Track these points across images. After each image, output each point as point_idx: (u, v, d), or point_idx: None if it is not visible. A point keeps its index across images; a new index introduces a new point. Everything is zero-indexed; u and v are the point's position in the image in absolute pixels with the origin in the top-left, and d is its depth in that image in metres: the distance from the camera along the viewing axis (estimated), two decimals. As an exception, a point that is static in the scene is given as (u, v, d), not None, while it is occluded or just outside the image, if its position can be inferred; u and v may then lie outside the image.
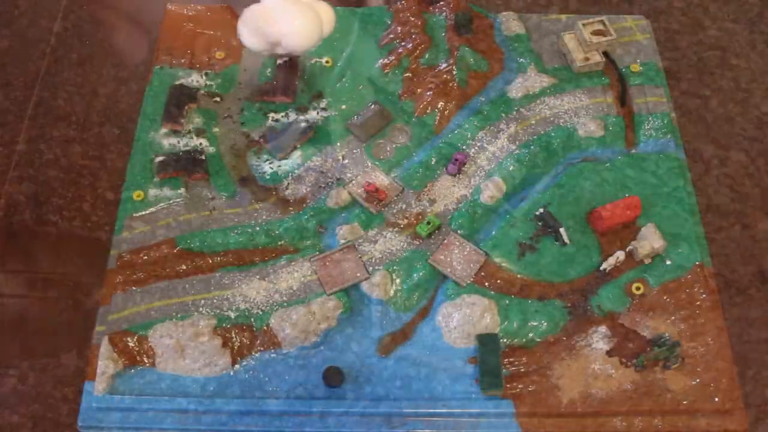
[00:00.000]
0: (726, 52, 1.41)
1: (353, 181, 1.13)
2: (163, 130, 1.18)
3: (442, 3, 1.33)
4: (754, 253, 1.18)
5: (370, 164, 1.15)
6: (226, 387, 0.97)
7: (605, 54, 1.26)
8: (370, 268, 1.05)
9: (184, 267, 1.06)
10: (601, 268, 1.05)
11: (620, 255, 1.05)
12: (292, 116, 1.20)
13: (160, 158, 1.14)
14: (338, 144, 1.18)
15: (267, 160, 1.15)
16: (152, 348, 0.99)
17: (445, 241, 1.08)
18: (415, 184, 1.13)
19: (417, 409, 0.96)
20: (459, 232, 1.09)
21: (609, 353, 1.00)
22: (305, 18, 0.96)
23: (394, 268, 1.06)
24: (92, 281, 1.13)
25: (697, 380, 0.98)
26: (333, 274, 1.05)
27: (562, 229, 1.07)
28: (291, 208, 1.11)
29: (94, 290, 1.11)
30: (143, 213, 1.10)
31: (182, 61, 1.25)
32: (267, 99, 1.21)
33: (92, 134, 1.28)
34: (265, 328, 1.01)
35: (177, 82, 1.22)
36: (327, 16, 0.99)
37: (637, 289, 1.04)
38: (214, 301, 1.03)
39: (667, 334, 1.00)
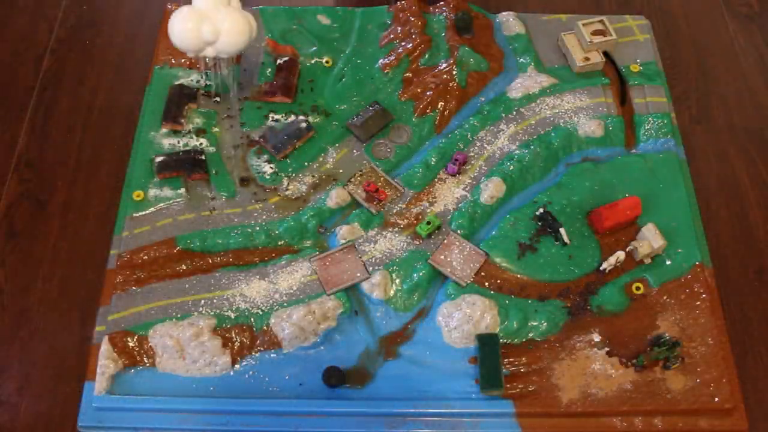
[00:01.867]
0: (726, 51, 1.41)
1: (353, 181, 1.13)
2: (163, 130, 1.18)
3: (442, 3, 1.33)
4: (754, 253, 1.18)
5: (370, 164, 1.15)
6: (226, 387, 0.97)
7: (605, 54, 1.26)
8: (370, 268, 1.05)
9: (184, 267, 1.06)
10: (601, 268, 1.05)
11: (620, 255, 1.05)
12: (292, 116, 1.20)
13: (160, 158, 1.14)
14: (338, 144, 1.18)
15: (267, 160, 1.15)
16: (152, 348, 0.99)
17: (445, 241, 1.08)
18: (415, 184, 1.13)
19: (417, 409, 0.96)
20: (459, 232, 1.09)
21: (609, 353, 1.00)
22: (239, 20, 1.01)
23: (394, 268, 1.06)
24: (92, 281, 1.13)
25: (697, 380, 0.98)
26: (333, 274, 1.05)
27: (562, 229, 1.07)
28: (291, 208, 1.11)
29: (94, 290, 1.11)
30: (143, 213, 1.10)
31: (182, 61, 1.25)
32: (267, 99, 1.21)
33: (92, 134, 1.28)
34: (265, 328, 1.01)
35: (177, 82, 1.22)
36: (253, 21, 1.06)
37: (637, 289, 1.04)
38: (214, 301, 1.03)
39: (667, 334, 1.00)
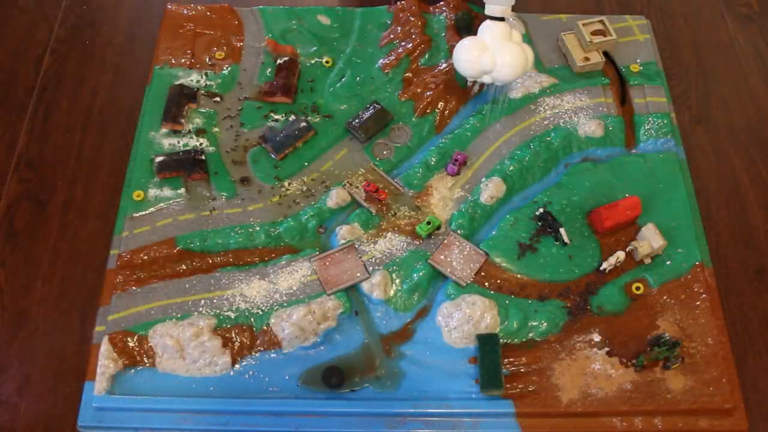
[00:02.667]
0: (726, 51, 1.41)
1: (353, 181, 1.13)
2: (163, 130, 1.18)
3: (442, 3, 1.33)
4: (754, 253, 1.18)
5: (370, 164, 1.15)
6: (226, 387, 0.97)
7: (605, 54, 1.26)
8: (370, 268, 1.05)
9: (184, 267, 1.06)
10: (601, 268, 1.05)
11: (620, 255, 1.05)
12: (292, 116, 1.20)
13: (160, 158, 1.14)
14: (338, 144, 1.18)
15: (267, 160, 1.15)
16: (152, 348, 0.99)
17: (445, 241, 1.08)
18: (415, 184, 1.13)
19: (417, 409, 0.96)
20: (459, 232, 1.09)
21: (609, 353, 1.00)
22: (517, 54, 1.10)
23: (394, 268, 1.06)
24: (92, 281, 1.13)
25: (697, 380, 0.98)
26: (333, 274, 1.05)
27: (562, 229, 1.07)
28: (291, 208, 1.11)
29: (94, 290, 1.11)
30: (143, 213, 1.10)
31: (182, 61, 1.25)
32: (267, 99, 1.21)
33: (92, 134, 1.28)
34: (265, 328, 1.01)
35: (177, 82, 1.22)
36: (530, 55, 1.13)
37: (637, 289, 1.04)
38: (214, 301, 1.03)
39: (667, 334, 1.00)
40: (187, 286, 1.04)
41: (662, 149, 1.18)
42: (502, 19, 1.11)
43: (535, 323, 1.02)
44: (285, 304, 1.03)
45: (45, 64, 1.36)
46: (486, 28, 1.12)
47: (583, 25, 1.25)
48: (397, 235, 1.09)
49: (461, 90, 1.21)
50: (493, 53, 1.10)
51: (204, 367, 0.98)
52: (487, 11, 1.11)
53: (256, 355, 1.00)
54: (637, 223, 1.10)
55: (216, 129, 1.19)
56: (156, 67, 1.25)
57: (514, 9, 1.22)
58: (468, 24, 1.27)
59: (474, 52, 1.11)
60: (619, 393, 0.97)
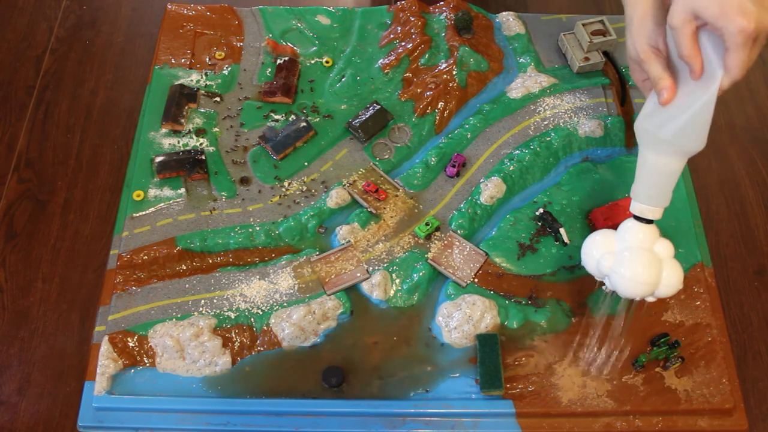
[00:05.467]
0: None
1: (353, 181, 1.13)
2: (163, 130, 1.18)
3: (442, 3, 1.33)
4: (754, 253, 1.18)
5: (370, 164, 1.15)
6: (226, 387, 0.97)
7: (605, 54, 1.26)
8: (370, 268, 1.05)
9: (184, 267, 1.06)
10: (604, 288, 1.04)
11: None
12: (292, 116, 1.20)
13: (160, 158, 1.14)
14: (338, 144, 1.18)
15: (267, 160, 1.15)
16: (152, 348, 0.99)
17: (445, 241, 1.08)
18: (415, 184, 1.13)
19: (417, 409, 0.96)
20: (459, 232, 1.09)
21: (609, 353, 1.00)
22: (644, 267, 0.88)
23: (394, 268, 1.06)
24: (92, 281, 1.13)
25: (697, 380, 0.98)
26: (333, 274, 1.05)
27: (562, 229, 1.07)
28: (291, 208, 1.11)
29: (94, 290, 1.11)
30: (143, 213, 1.10)
31: (182, 61, 1.25)
32: (267, 99, 1.21)
33: (92, 134, 1.28)
34: (265, 328, 1.01)
35: (177, 82, 1.22)
36: (672, 278, 0.89)
37: (637, 289, 1.04)
38: (214, 301, 1.03)
39: (667, 334, 1.00)
40: (187, 286, 1.04)
41: (662, 149, 1.17)
42: (650, 221, 0.89)
43: (535, 323, 1.02)
44: (285, 304, 1.03)
45: (45, 64, 1.36)
46: (625, 228, 0.91)
47: (583, 25, 1.25)
48: (396, 235, 1.09)
49: (461, 90, 1.21)
50: (618, 259, 0.89)
51: (204, 367, 0.98)
52: (633, 209, 0.90)
53: (256, 354, 1.00)
54: (637, 223, 1.09)
55: (216, 129, 1.19)
56: (156, 67, 1.25)
57: (514, 9, 1.22)
58: (468, 24, 1.27)
59: (599, 249, 0.91)
60: (619, 393, 0.97)
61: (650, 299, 0.92)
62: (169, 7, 1.32)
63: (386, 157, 1.17)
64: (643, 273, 0.87)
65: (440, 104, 1.20)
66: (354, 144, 1.18)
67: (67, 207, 1.20)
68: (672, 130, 0.82)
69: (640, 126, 0.86)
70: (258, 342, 1.00)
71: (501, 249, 1.07)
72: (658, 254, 0.89)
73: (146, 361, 0.99)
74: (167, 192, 1.12)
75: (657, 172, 0.87)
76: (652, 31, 0.85)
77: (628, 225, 0.90)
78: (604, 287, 1.01)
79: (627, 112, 1.22)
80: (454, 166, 1.14)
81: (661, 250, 0.90)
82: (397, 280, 1.05)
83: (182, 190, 1.12)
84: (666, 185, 0.88)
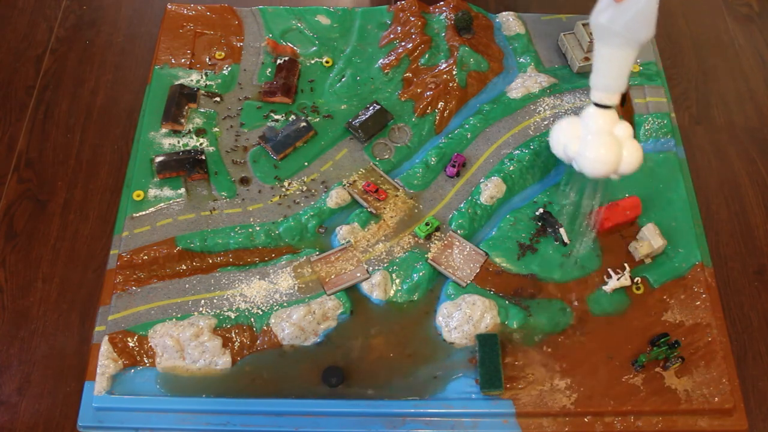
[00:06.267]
0: (726, 51, 1.41)
1: (353, 182, 1.13)
2: (163, 130, 1.18)
3: (442, 3, 1.33)
4: (754, 253, 1.18)
5: (370, 164, 1.15)
6: (226, 387, 0.97)
7: (605, 54, 1.26)
8: (370, 268, 1.05)
9: (184, 267, 1.06)
10: (605, 288, 1.04)
11: (624, 279, 1.04)
12: (292, 116, 1.20)
13: (160, 158, 1.14)
14: (338, 144, 1.18)
15: (267, 160, 1.15)
16: (152, 348, 0.99)
17: (445, 241, 1.08)
18: (415, 184, 1.13)
19: (417, 409, 0.96)
20: (459, 232, 1.09)
21: (609, 353, 1.00)
22: (606, 149, 0.98)
23: (394, 268, 1.06)
24: (92, 281, 1.13)
25: (697, 380, 0.98)
26: (333, 274, 1.05)
27: (562, 229, 1.07)
28: (291, 208, 1.11)
29: (94, 290, 1.11)
30: (143, 213, 1.10)
31: (182, 61, 1.25)
32: (267, 99, 1.21)
33: (92, 134, 1.28)
34: (265, 328, 1.01)
35: (177, 82, 1.22)
36: (632, 156, 0.99)
37: (637, 289, 1.05)
38: (214, 301, 1.03)
39: (667, 334, 1.00)
40: (187, 286, 1.04)
41: (662, 149, 1.18)
42: (608, 107, 0.99)
43: (535, 323, 1.02)
44: (285, 304, 1.03)
45: (45, 64, 1.36)
46: (587, 114, 1.00)
47: (583, 25, 1.25)
48: (396, 235, 1.09)
49: (461, 90, 1.21)
50: (583, 143, 0.99)
51: (204, 367, 0.98)
52: (594, 97, 0.99)
53: (256, 355, 1.00)
54: (637, 223, 1.10)
55: (216, 129, 1.19)
56: (156, 67, 1.25)
57: (514, 9, 1.22)
58: (468, 24, 1.27)
59: (566, 135, 1.02)
60: (619, 393, 0.97)
61: (614, 177, 1.01)
62: (169, 7, 1.32)
63: (386, 157, 1.17)
64: (606, 154, 0.97)
65: (440, 104, 1.20)
66: (354, 144, 1.18)
67: (67, 207, 1.20)
68: (623, 23, 0.92)
69: (595, 22, 0.94)
70: (258, 342, 1.00)
71: (501, 249, 1.07)
72: (618, 136, 0.99)
73: (146, 361, 0.99)
74: (167, 192, 1.12)
75: (612, 62, 0.97)
76: None
77: (590, 111, 0.99)
78: (604, 287, 1.02)
79: (627, 112, 1.22)
80: (454, 166, 1.13)
81: (621, 132, 0.99)
82: (397, 280, 1.05)
83: (182, 190, 1.12)
84: (620, 73, 0.97)
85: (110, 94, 1.33)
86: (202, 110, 1.20)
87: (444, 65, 1.24)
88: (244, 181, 1.14)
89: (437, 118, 1.20)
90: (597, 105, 0.99)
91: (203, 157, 1.14)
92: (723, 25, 1.45)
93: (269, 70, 1.25)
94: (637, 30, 0.93)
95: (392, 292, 1.04)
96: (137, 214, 1.10)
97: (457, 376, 0.98)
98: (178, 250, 1.06)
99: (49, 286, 1.13)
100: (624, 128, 1.00)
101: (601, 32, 0.96)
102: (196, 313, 1.02)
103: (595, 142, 0.98)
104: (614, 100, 0.98)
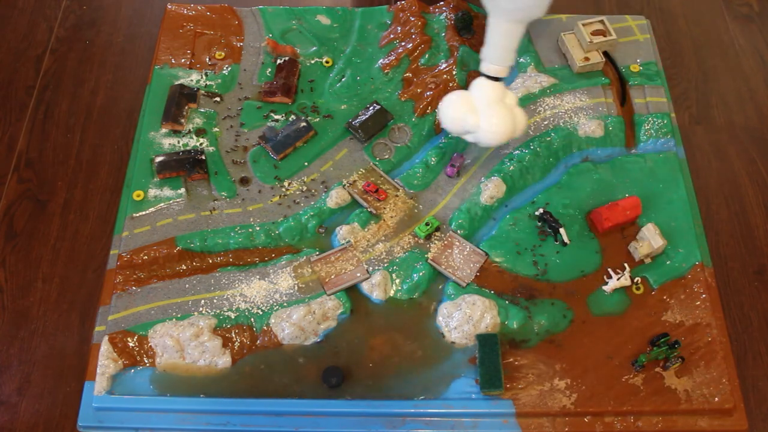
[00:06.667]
0: (726, 51, 1.41)
1: (353, 181, 1.13)
2: (163, 130, 1.18)
3: (442, 3, 1.33)
4: (754, 253, 1.18)
5: (370, 164, 1.15)
6: (226, 387, 0.97)
7: (605, 54, 1.26)
8: (370, 268, 1.05)
9: (184, 267, 1.06)
10: (605, 288, 1.04)
11: (624, 279, 1.04)
12: (292, 116, 1.20)
13: (160, 158, 1.14)
14: (338, 144, 1.18)
15: (267, 160, 1.15)
16: (152, 348, 0.99)
17: (445, 241, 1.08)
18: (415, 184, 1.13)
19: (417, 409, 0.96)
20: (459, 232, 1.09)
21: (609, 353, 1.00)
22: (503, 121, 1.04)
23: (394, 268, 1.06)
24: (92, 281, 1.13)
25: (697, 380, 0.98)
26: (333, 274, 1.05)
27: (562, 230, 1.07)
28: (291, 208, 1.11)
29: (94, 290, 1.11)
30: (143, 213, 1.10)
31: (182, 61, 1.25)
32: (267, 99, 1.21)
33: (92, 134, 1.28)
34: (265, 328, 1.01)
35: (177, 82, 1.22)
36: (522, 123, 1.08)
37: (637, 289, 1.04)
38: (214, 301, 1.03)
39: (667, 334, 1.00)
40: (187, 286, 1.04)
41: (662, 149, 1.18)
42: (498, 79, 1.05)
43: (535, 323, 1.02)
44: (285, 304, 1.03)
45: (45, 64, 1.36)
46: (478, 86, 1.06)
47: (583, 25, 1.25)
48: (396, 235, 1.09)
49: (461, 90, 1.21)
50: (480, 114, 1.04)
51: (204, 367, 0.98)
52: (483, 68, 1.05)
53: (256, 355, 1.00)
54: (637, 223, 1.10)
55: (216, 129, 1.19)
56: (156, 67, 1.25)
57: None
58: (468, 24, 1.27)
59: (460, 109, 1.06)
60: (619, 393, 0.97)
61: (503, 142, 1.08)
62: (169, 7, 1.32)
63: (386, 157, 1.17)
64: (504, 123, 1.04)
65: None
66: (354, 144, 1.18)
67: (67, 207, 1.20)
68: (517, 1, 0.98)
69: None
70: (258, 342, 1.00)
71: (501, 249, 1.07)
72: (508, 104, 1.06)
73: (146, 361, 0.99)
74: (167, 192, 1.12)
75: (501, 36, 1.02)
76: None
77: (482, 83, 1.05)
78: (604, 287, 1.03)
79: (627, 112, 1.22)
80: (454, 166, 1.13)
81: (509, 101, 1.07)
82: (397, 280, 1.05)
83: (182, 190, 1.12)
84: (509, 47, 1.03)
85: (110, 94, 1.33)
86: (202, 110, 1.20)
87: (444, 65, 1.24)
88: (244, 181, 1.14)
89: (437, 118, 1.20)
90: (488, 77, 1.04)
91: (203, 157, 1.14)
92: (723, 25, 1.45)
93: (269, 70, 1.25)
94: (528, 8, 0.99)
95: (392, 292, 1.04)
96: (137, 214, 1.10)
97: (457, 376, 0.98)
98: (178, 250, 1.06)
99: (49, 286, 1.13)
100: (512, 97, 1.08)
101: (492, 6, 1.01)
102: (196, 313, 1.02)
103: (494, 113, 1.04)
104: (504, 73, 1.04)
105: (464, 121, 1.05)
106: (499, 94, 1.06)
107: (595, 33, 1.25)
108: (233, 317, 1.02)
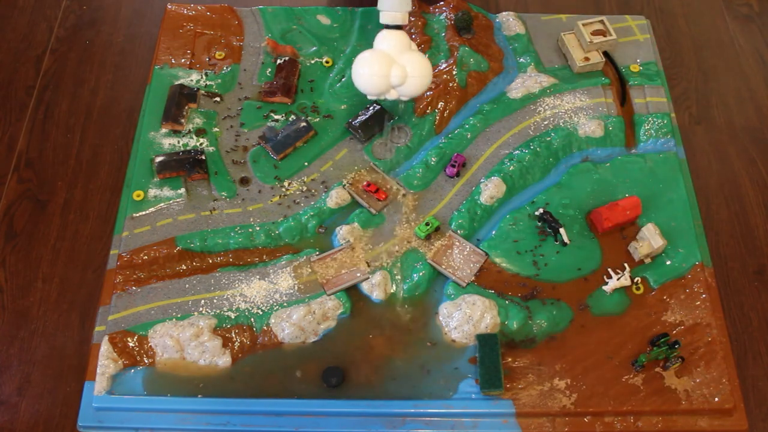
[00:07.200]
0: (726, 51, 1.41)
1: (353, 181, 1.13)
2: (163, 130, 1.18)
3: (442, 3, 1.33)
4: (754, 253, 1.18)
5: (370, 164, 1.15)
6: (226, 387, 0.97)
7: (605, 54, 1.26)
8: (370, 268, 1.05)
9: (184, 267, 1.06)
10: (605, 288, 1.04)
11: (624, 279, 1.04)
12: (292, 116, 1.20)
13: (160, 158, 1.14)
14: (338, 144, 1.18)
15: (267, 160, 1.15)
16: (152, 348, 0.99)
17: (445, 241, 1.08)
18: (415, 184, 1.13)
19: (417, 409, 0.96)
20: (459, 232, 1.09)
21: (609, 353, 1.00)
22: (424, 63, 1.05)
23: (395, 268, 1.06)
24: (92, 281, 1.13)
25: (697, 380, 0.98)
26: (333, 274, 1.05)
27: (562, 230, 1.07)
28: (291, 208, 1.11)
29: (94, 290, 1.11)
30: (143, 213, 1.10)
31: (182, 61, 1.25)
32: (267, 99, 1.21)
33: (92, 134, 1.28)
34: (265, 328, 1.01)
35: (177, 82, 1.22)
36: (430, 65, 1.09)
37: (637, 289, 1.05)
38: (214, 301, 1.03)
39: (667, 334, 1.00)
40: (187, 286, 1.04)
41: (662, 149, 1.18)
42: (400, 27, 1.06)
43: (535, 323, 1.01)
44: (285, 304, 1.03)
45: (45, 64, 1.36)
46: (385, 38, 1.05)
47: (583, 25, 1.25)
48: (397, 235, 1.09)
49: (461, 90, 1.21)
50: (400, 65, 1.03)
51: (204, 367, 0.98)
52: (383, 19, 1.05)
53: (256, 355, 1.00)
54: (637, 223, 1.10)
55: (216, 129, 1.19)
56: (156, 67, 1.25)
57: (514, 9, 1.23)
58: (468, 24, 1.27)
59: (381, 64, 1.03)
60: (619, 393, 0.97)
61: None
62: (169, 7, 1.32)
63: (386, 157, 1.17)
64: (427, 65, 1.05)
65: (440, 104, 1.20)
66: (354, 144, 1.18)
67: (67, 207, 1.20)
68: None
69: None
70: (258, 342, 1.00)
71: (501, 249, 1.07)
72: (416, 50, 1.08)
73: (146, 361, 0.99)
74: (167, 192, 1.12)
75: None
76: None
77: (386, 35, 1.05)
78: (604, 287, 1.03)
79: (627, 112, 1.22)
80: (454, 166, 1.13)
81: (415, 47, 1.09)
82: (398, 280, 1.05)
83: (182, 190, 1.12)
84: None
85: (110, 94, 1.33)
86: (202, 110, 1.20)
87: (444, 65, 1.24)
88: (244, 181, 1.14)
89: (437, 118, 1.20)
90: (387, 27, 1.05)
91: (203, 157, 1.14)
92: (723, 25, 1.45)
93: (269, 70, 1.25)
94: None
95: (392, 292, 1.04)
96: (137, 214, 1.10)
97: (457, 377, 0.98)
98: (178, 250, 1.06)
99: (49, 286, 1.13)
100: (414, 44, 1.10)
101: None
102: (196, 313, 1.02)
103: (414, 58, 1.04)
104: (404, 19, 1.05)
105: (389, 76, 1.03)
106: (407, 42, 1.06)
107: (595, 33, 1.25)
108: (233, 317, 1.02)
